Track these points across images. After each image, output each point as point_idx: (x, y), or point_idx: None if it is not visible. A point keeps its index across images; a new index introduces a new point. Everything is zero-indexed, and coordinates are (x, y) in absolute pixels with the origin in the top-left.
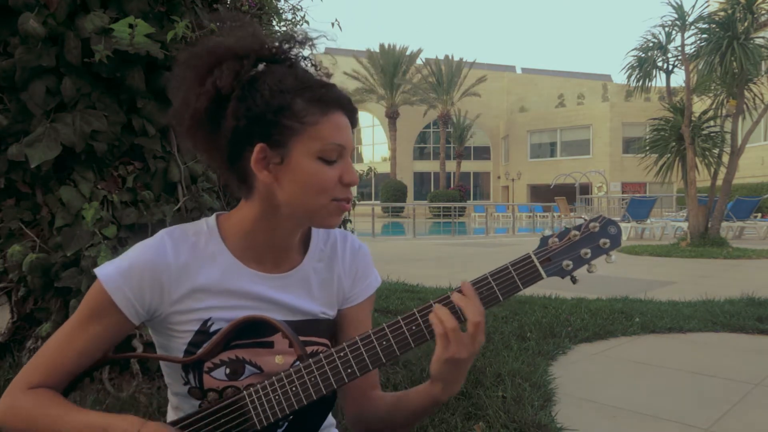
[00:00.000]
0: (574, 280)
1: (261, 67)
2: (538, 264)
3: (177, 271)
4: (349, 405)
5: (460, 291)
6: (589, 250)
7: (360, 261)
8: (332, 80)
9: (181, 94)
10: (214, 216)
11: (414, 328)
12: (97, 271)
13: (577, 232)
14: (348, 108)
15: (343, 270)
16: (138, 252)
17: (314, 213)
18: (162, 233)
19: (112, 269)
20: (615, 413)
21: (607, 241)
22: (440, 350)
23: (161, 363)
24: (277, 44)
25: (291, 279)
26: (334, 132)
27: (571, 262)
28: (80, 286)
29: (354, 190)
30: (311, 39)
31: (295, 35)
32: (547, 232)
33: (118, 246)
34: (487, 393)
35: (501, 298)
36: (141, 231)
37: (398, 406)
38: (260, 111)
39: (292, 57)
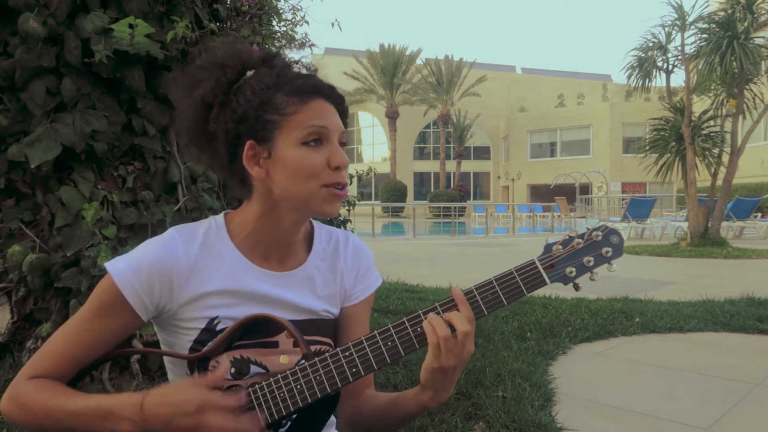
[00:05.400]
0: (576, 287)
1: (249, 74)
2: (542, 270)
3: (186, 269)
4: (345, 404)
5: (452, 300)
6: (591, 258)
7: (362, 260)
8: (331, 80)
9: (177, 109)
10: (222, 214)
11: (419, 329)
12: (107, 265)
13: (580, 240)
14: (330, 94)
15: (345, 268)
16: (149, 249)
17: (308, 201)
18: (172, 231)
19: (123, 265)
20: (615, 413)
21: (610, 249)
22: (431, 359)
23: (165, 361)
24: (263, 53)
25: (296, 277)
26: (313, 116)
27: (574, 269)
28: (80, 286)
29: (354, 189)
30: (307, 43)
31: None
32: (551, 239)
33: (118, 246)
34: (487, 393)
35: (505, 302)
36: (141, 231)
37: (392, 406)
38: (243, 111)
39: (274, 59)
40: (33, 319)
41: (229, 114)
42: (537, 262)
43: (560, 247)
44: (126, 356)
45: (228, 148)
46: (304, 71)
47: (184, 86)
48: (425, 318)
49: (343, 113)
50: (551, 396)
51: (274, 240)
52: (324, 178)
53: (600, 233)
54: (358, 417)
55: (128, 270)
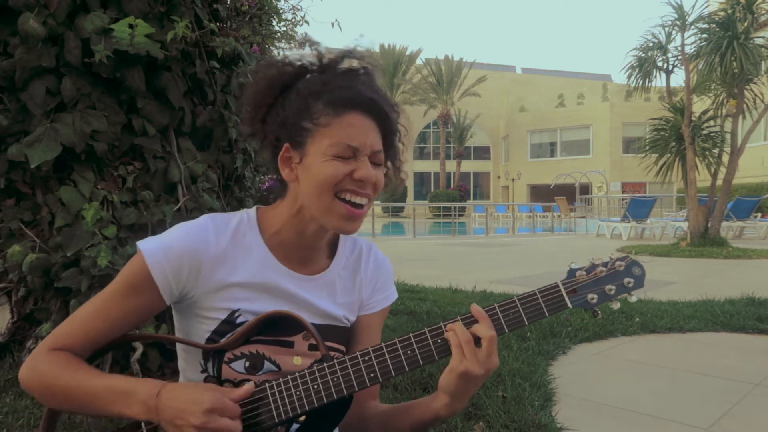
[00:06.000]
0: (596, 314)
1: (307, 77)
2: (565, 294)
3: (216, 257)
4: (348, 413)
5: (471, 315)
6: (613, 287)
7: (382, 273)
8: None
9: (241, 100)
10: (254, 208)
11: (440, 341)
12: (140, 244)
13: (603, 269)
14: (367, 108)
15: (364, 277)
16: (181, 233)
17: (325, 215)
18: (206, 218)
19: (155, 245)
20: (615, 413)
21: (631, 280)
22: (455, 362)
23: (178, 348)
24: (331, 58)
25: (318, 282)
26: (344, 134)
27: (595, 296)
28: (80, 286)
29: None
30: (361, 54)
31: (352, 51)
32: (575, 265)
33: (118, 246)
34: (487, 393)
35: (526, 322)
36: (141, 231)
37: (400, 413)
38: (285, 115)
39: (336, 64)
40: (33, 319)
41: (274, 116)
42: (561, 285)
43: (584, 273)
44: (126, 356)
45: (272, 148)
46: (365, 77)
47: (253, 81)
48: (445, 329)
49: (386, 128)
50: (551, 396)
51: (297, 243)
52: (342, 184)
53: (623, 264)
54: (361, 423)
55: (159, 251)
